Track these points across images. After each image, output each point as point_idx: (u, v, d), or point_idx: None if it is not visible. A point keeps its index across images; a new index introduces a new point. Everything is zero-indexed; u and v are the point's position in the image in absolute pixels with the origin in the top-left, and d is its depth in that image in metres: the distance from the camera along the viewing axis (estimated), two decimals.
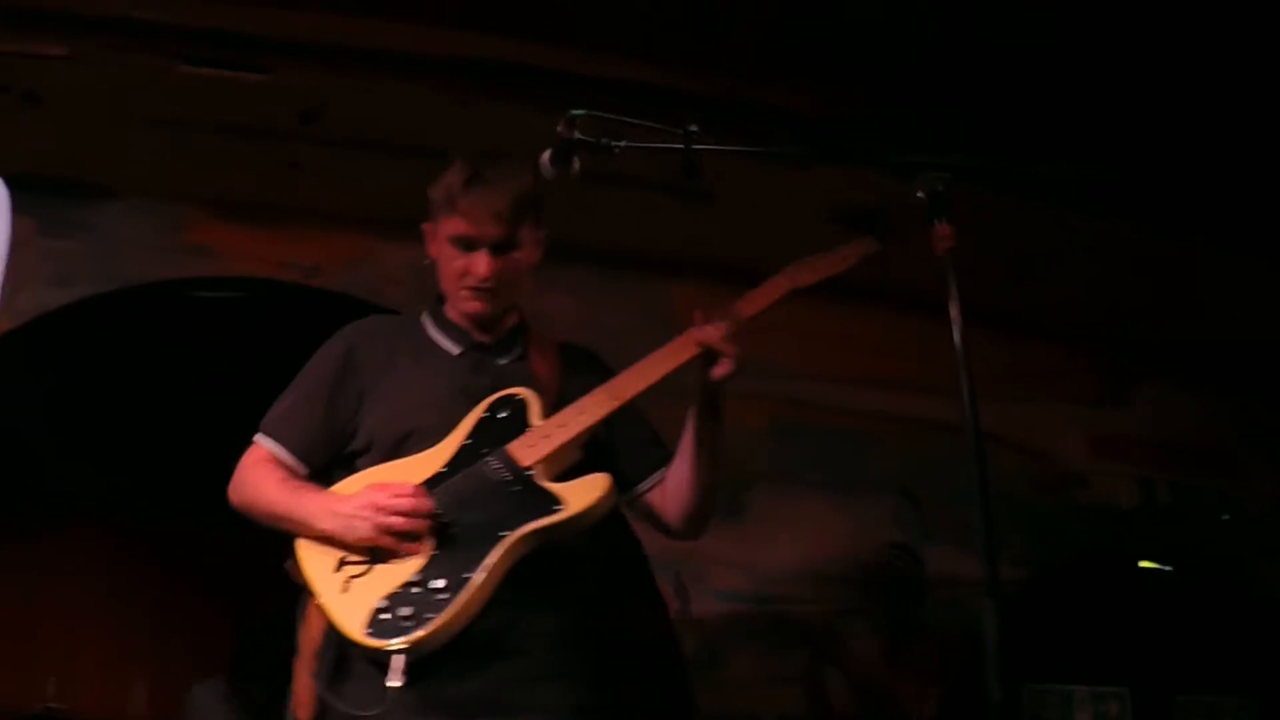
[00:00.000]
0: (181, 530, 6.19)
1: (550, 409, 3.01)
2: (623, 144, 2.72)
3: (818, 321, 4.98)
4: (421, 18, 4.33)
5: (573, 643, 3.02)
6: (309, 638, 2.97)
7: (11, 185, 4.34)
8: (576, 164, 2.75)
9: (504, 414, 3.03)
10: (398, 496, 2.86)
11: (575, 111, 2.73)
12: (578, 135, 2.73)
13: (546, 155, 2.77)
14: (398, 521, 2.83)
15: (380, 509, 2.84)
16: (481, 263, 3.03)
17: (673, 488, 3.09)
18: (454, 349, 3.15)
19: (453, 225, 3.04)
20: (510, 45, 4.41)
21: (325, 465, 3.12)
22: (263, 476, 3.09)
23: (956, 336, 2.41)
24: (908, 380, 5.13)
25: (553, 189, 2.86)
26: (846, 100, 4.47)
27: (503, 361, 3.15)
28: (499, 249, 3.02)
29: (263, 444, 3.11)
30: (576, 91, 3.98)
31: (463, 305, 3.12)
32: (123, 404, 5.61)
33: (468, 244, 3.03)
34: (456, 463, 2.96)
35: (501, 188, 3.01)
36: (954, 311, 2.42)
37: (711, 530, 3.78)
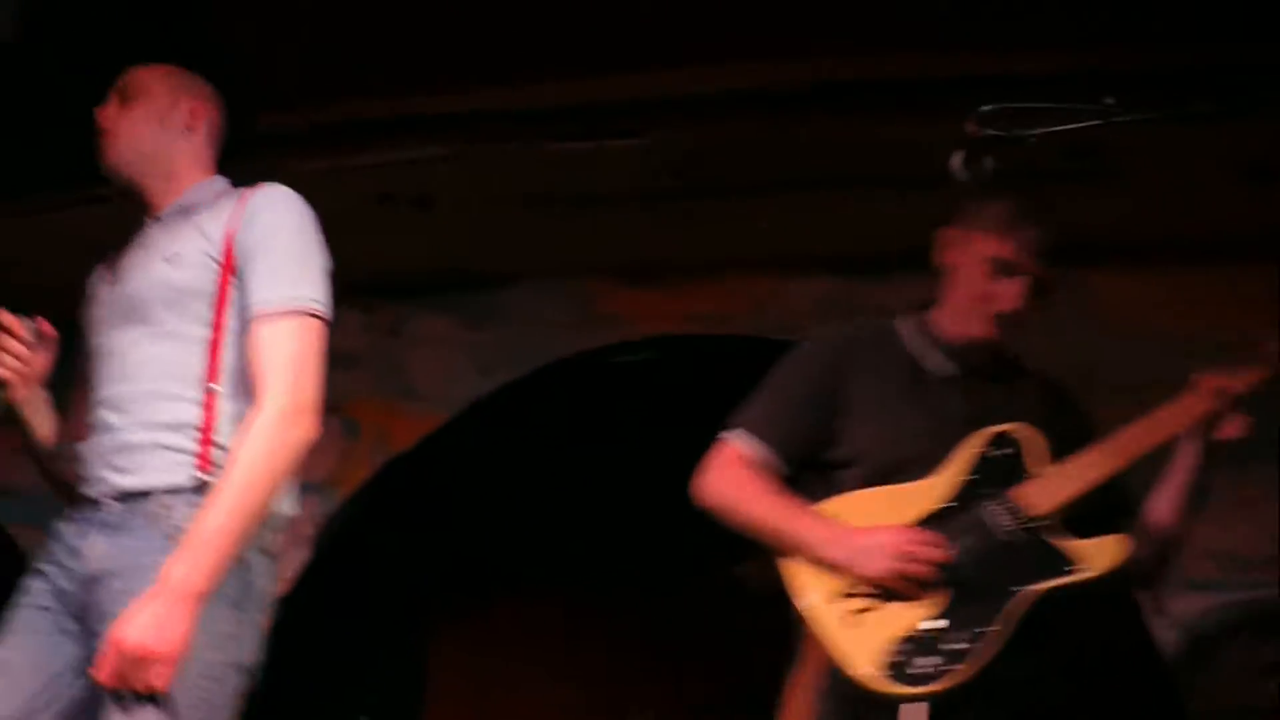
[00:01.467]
0: (631, 602, 6.16)
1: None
2: (1037, 132, 2.54)
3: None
4: (779, 52, 4.20)
5: (1051, 682, 2.93)
6: (811, 669, 2.90)
7: (419, 288, 4.37)
8: (989, 162, 2.58)
9: (1004, 451, 2.89)
10: (925, 545, 2.76)
11: (984, 108, 2.56)
12: (989, 132, 2.56)
13: (958, 158, 2.60)
14: (920, 570, 2.74)
15: (904, 554, 2.75)
16: (1016, 292, 2.89)
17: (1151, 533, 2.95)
18: (946, 370, 3.00)
19: (997, 247, 2.90)
20: (879, 63, 4.21)
21: (801, 467, 3.01)
22: (749, 482, 2.97)
23: None
24: None
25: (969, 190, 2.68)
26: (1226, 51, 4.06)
27: (996, 391, 3.01)
28: (1035, 285, 2.90)
29: (742, 442, 2.98)
30: (950, 96, 3.55)
31: (975, 328, 2.94)
32: (560, 477, 5.64)
33: (1006, 269, 2.89)
34: (958, 500, 2.85)
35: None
36: None
37: None
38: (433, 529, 5.78)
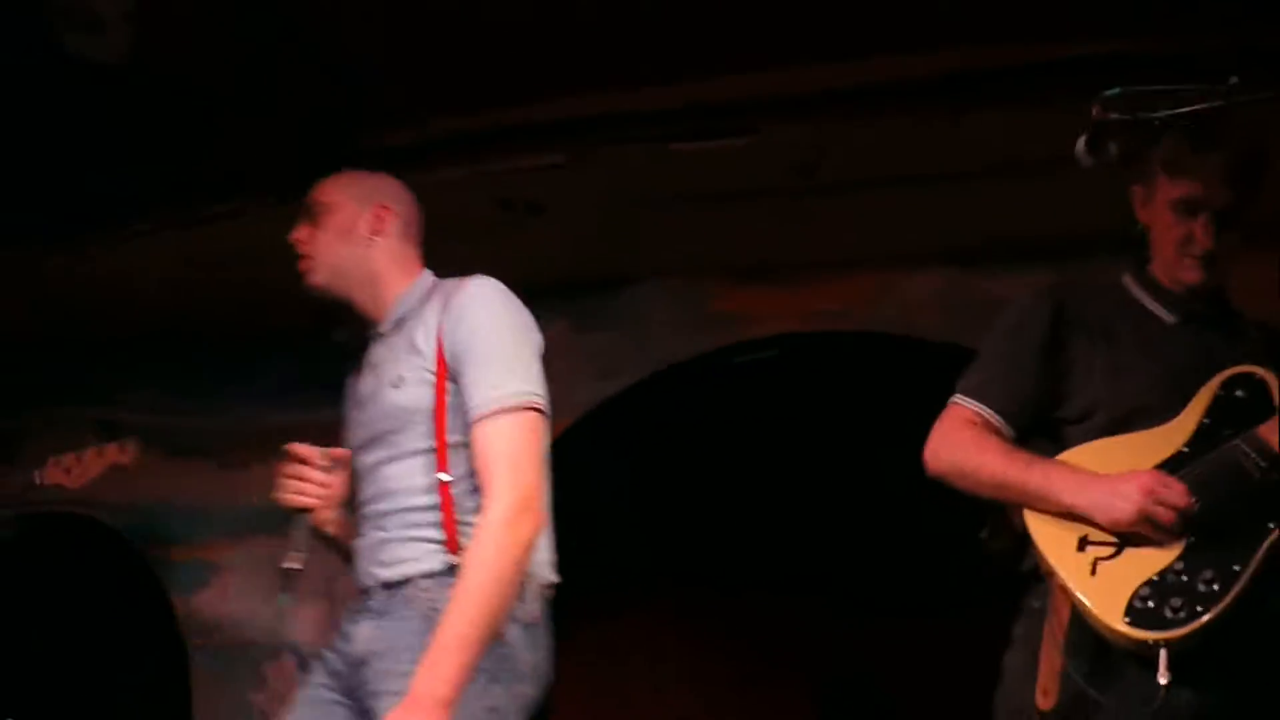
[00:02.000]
0: (757, 603, 6.20)
1: None
2: (1161, 114, 2.50)
3: None
4: (893, 47, 4.18)
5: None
6: (1056, 621, 2.88)
7: (536, 293, 4.33)
8: (1113, 147, 2.54)
9: (1241, 393, 2.89)
10: (1171, 488, 2.75)
11: (1108, 92, 2.53)
12: (1113, 115, 2.52)
13: (1081, 142, 2.55)
14: (1166, 514, 2.71)
15: (1153, 495, 2.73)
16: (1203, 231, 2.90)
17: None
18: (1169, 318, 3.01)
19: (1176, 188, 2.92)
20: (993, 52, 4.17)
21: (1027, 430, 3.03)
22: (978, 442, 2.98)
23: None
24: None
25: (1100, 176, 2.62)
26: None
27: (1220, 334, 3.02)
28: (1223, 217, 2.90)
29: (968, 407, 3.01)
30: (1064, 83, 3.89)
31: (1183, 274, 2.98)
32: (683, 480, 5.80)
33: (1190, 209, 2.90)
34: (1196, 443, 2.85)
35: (1233, 149, 2.90)
36: None
37: None
38: (559, 534, 5.71)
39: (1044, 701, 2.82)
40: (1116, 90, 2.56)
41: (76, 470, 4.29)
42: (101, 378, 5.83)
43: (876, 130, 4.38)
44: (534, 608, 2.93)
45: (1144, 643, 2.65)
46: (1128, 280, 3.08)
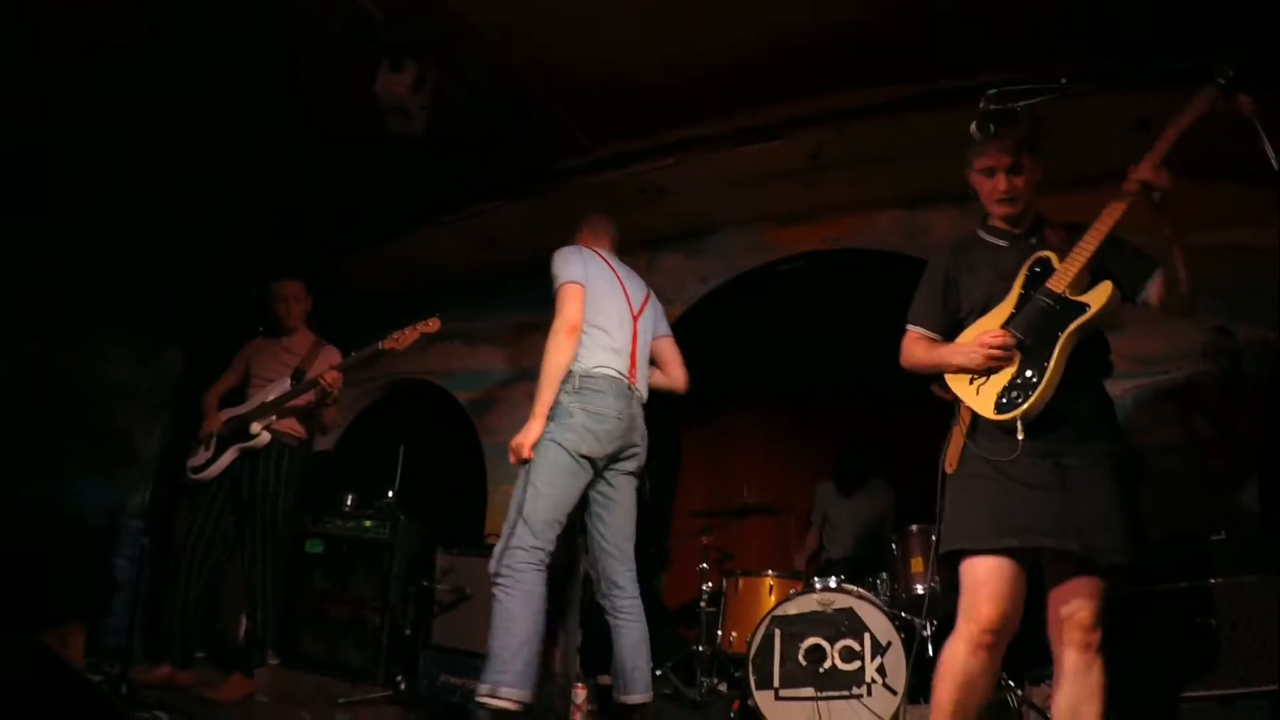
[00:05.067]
0: (798, 404, 7.14)
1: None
2: (1020, 104, 3.11)
3: None
4: (860, 84, 4.88)
5: (1106, 407, 3.30)
6: (961, 419, 3.34)
7: (662, 239, 5.73)
8: (991, 126, 3.20)
9: (1039, 269, 3.32)
10: (993, 336, 3.24)
11: (989, 91, 3.14)
12: (992, 106, 3.13)
13: (973, 125, 3.22)
14: (995, 352, 3.21)
15: (983, 345, 3.24)
16: (1001, 181, 3.37)
17: (1168, 281, 3.22)
18: (1001, 243, 3.46)
19: (981, 163, 3.40)
20: (915, 84, 4.85)
21: (949, 331, 3.48)
22: (918, 348, 3.49)
23: None
24: None
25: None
26: None
27: (1032, 241, 3.41)
28: (1012, 171, 3.36)
29: (912, 329, 3.54)
30: (956, 98, 4.68)
31: (998, 211, 3.44)
32: (751, 335, 6.58)
33: (990, 172, 3.39)
34: (1019, 304, 3.30)
35: (1006, 134, 3.33)
36: None
37: None
38: (694, 373, 5.44)
39: (949, 468, 3.32)
40: (993, 90, 3.14)
41: (400, 339, 5.00)
42: (427, 305, 5.58)
43: (853, 131, 5.21)
44: (577, 384, 3.95)
45: (1006, 421, 3.15)
46: (978, 230, 3.53)
